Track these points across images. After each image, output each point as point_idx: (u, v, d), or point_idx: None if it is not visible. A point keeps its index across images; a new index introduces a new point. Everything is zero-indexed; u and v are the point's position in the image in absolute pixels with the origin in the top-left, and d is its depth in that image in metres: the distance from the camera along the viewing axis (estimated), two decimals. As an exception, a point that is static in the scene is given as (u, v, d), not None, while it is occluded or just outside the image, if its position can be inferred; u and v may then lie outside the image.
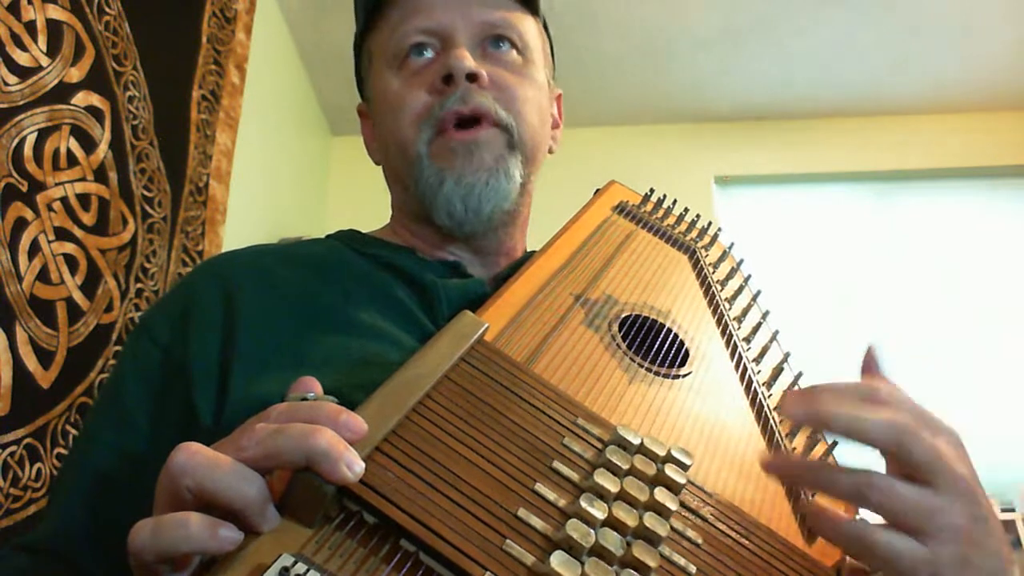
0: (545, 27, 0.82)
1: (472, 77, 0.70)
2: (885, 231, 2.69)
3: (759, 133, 2.80)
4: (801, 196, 2.79)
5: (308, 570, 0.35)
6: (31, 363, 1.15)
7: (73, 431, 1.24)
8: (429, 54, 0.73)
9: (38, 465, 1.16)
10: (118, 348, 1.38)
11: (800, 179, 2.78)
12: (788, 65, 2.58)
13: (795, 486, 0.56)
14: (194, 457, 0.38)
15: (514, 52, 0.75)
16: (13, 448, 1.11)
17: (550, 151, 0.81)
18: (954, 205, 2.71)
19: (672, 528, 0.47)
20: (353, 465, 0.38)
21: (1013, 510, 2.44)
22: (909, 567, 0.43)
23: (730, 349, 0.71)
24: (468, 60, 0.70)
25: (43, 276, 1.20)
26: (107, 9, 1.41)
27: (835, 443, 0.64)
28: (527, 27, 0.77)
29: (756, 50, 2.51)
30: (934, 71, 2.58)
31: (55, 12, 1.26)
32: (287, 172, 2.48)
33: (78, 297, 1.28)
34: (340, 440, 0.38)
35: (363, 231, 0.81)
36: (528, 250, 0.81)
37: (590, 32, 2.45)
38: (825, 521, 0.45)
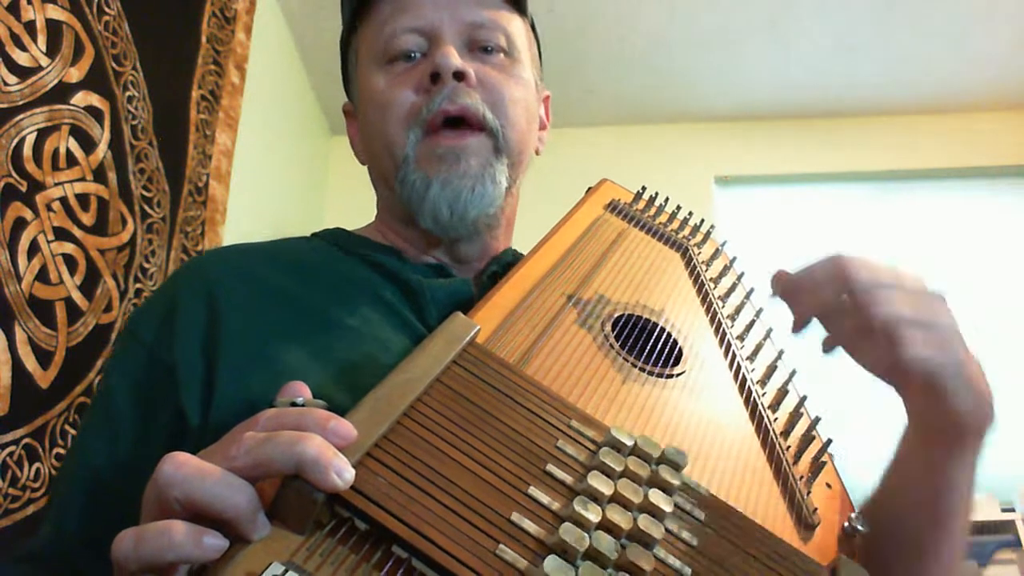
0: (533, 28, 0.82)
1: (459, 75, 0.69)
2: (885, 231, 2.68)
3: (759, 133, 2.79)
4: (801, 196, 2.78)
5: None
6: (30, 363, 1.15)
7: (72, 431, 1.24)
8: (417, 57, 0.72)
9: (37, 465, 1.16)
10: (117, 348, 1.37)
11: (800, 179, 2.78)
12: (788, 65, 2.57)
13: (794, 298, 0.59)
14: (182, 468, 0.37)
15: (501, 55, 0.74)
16: (12, 448, 1.11)
17: (536, 152, 0.80)
18: (954, 205, 2.70)
19: (667, 529, 0.47)
20: (343, 472, 0.37)
21: (1013, 510, 2.43)
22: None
23: (724, 347, 0.71)
24: (455, 58, 0.69)
25: (42, 276, 1.20)
26: (107, 9, 1.40)
27: (829, 441, 0.64)
28: (514, 27, 0.76)
29: (756, 50, 2.51)
30: (934, 71, 2.58)
31: (54, 12, 1.26)
32: (287, 172, 2.48)
33: (77, 297, 1.28)
34: (329, 447, 0.38)
35: (349, 229, 0.80)
36: (514, 249, 0.80)
37: (590, 32, 2.45)
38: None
